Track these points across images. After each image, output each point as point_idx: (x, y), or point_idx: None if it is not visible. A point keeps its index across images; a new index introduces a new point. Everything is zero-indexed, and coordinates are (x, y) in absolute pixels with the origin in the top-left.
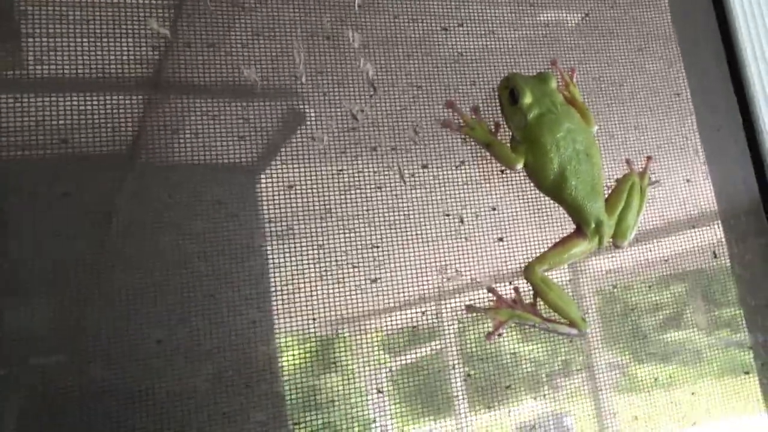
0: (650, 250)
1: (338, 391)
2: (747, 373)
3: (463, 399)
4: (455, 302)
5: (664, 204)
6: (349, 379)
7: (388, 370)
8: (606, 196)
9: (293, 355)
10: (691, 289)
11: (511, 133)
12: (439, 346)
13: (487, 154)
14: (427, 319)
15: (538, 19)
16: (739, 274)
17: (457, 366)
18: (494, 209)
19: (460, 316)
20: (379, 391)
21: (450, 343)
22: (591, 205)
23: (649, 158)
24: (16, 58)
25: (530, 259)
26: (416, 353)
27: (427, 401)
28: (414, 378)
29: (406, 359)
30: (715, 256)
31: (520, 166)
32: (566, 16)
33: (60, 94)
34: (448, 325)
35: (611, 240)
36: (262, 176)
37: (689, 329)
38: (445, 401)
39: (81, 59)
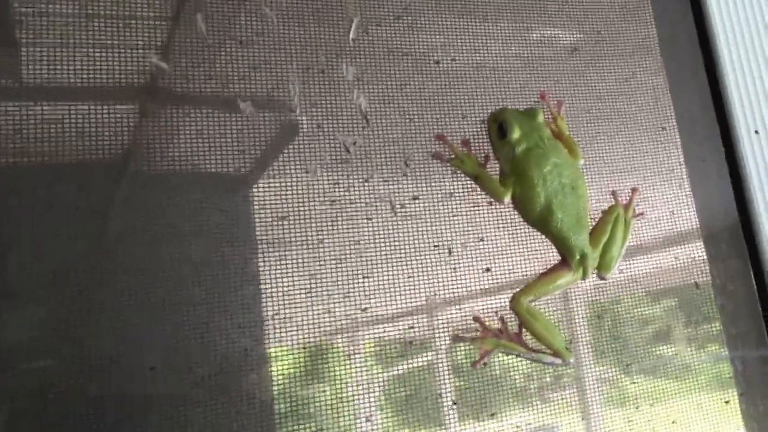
0: (634, 280)
1: (327, 419)
2: (727, 402)
3: (453, 412)
4: (444, 327)
5: (648, 235)
6: (337, 408)
7: (376, 397)
8: (591, 227)
9: (283, 382)
10: (674, 318)
11: (499, 166)
12: (429, 359)
13: (476, 186)
14: (415, 343)
15: (528, 53)
16: (722, 305)
17: (446, 378)
18: (482, 240)
19: (451, 329)
20: (367, 420)
21: (440, 355)
22: (576, 237)
23: (634, 190)
24: (15, 66)
25: (516, 290)
26: (406, 370)
27: (415, 416)
28: (402, 395)
29: (395, 381)
30: (698, 287)
31: (507, 198)
32: (555, 50)
33: (60, 102)
34: (439, 340)
35: (596, 271)
36: (257, 206)
37: (673, 359)
38: (434, 414)
39: (80, 70)
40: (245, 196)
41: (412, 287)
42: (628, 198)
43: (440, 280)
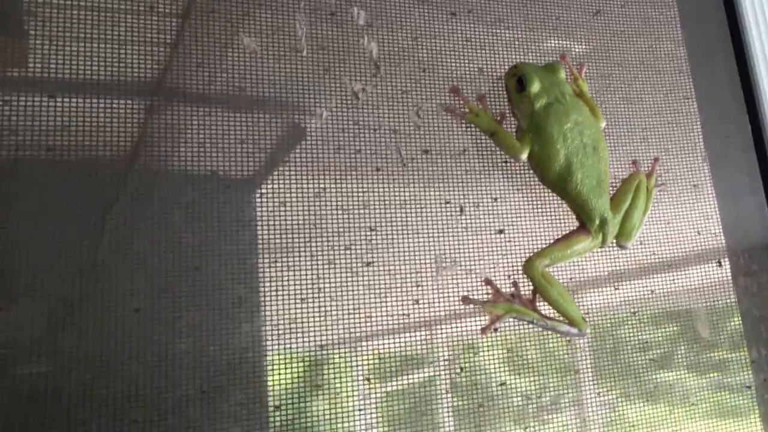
0: (654, 254)
1: (323, 375)
2: (748, 387)
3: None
4: (453, 288)
5: (669, 209)
6: (334, 364)
7: (375, 359)
8: (611, 194)
9: (278, 335)
10: (695, 297)
11: (516, 124)
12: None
13: (491, 142)
14: (421, 303)
15: (548, 11)
16: (744, 284)
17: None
18: (496, 200)
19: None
20: (366, 379)
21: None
22: (596, 200)
23: (656, 159)
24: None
25: (531, 253)
26: (410, 332)
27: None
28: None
29: (396, 341)
30: (720, 265)
31: (525, 155)
32: (577, 12)
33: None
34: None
35: (615, 239)
36: (256, 148)
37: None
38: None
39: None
40: (244, 138)
41: (419, 243)
42: (649, 167)
43: (450, 238)
